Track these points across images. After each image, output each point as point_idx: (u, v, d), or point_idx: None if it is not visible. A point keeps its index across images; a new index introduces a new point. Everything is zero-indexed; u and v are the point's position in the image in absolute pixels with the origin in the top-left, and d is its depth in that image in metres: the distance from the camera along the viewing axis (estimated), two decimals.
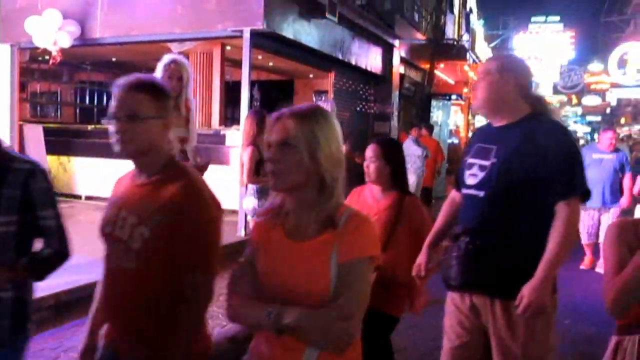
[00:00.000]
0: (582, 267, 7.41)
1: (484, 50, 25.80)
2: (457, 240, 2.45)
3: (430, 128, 10.86)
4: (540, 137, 2.34)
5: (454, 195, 2.78)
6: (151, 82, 1.88)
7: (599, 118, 47.03)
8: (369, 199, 3.05)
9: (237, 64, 7.80)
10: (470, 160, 2.52)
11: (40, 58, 10.51)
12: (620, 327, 1.92)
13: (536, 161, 2.29)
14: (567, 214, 2.28)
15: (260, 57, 9.53)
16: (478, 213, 2.42)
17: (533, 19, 34.45)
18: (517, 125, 2.42)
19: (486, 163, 2.43)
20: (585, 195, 2.39)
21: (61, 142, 9.87)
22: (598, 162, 7.00)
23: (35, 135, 9.24)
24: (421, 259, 2.71)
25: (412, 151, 9.85)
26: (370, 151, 3.02)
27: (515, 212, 2.34)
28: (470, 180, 2.48)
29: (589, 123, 51.55)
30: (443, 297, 2.69)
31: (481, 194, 2.41)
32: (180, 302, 1.78)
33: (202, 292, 1.81)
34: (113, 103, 1.81)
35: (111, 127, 1.82)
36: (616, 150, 7.18)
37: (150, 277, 1.78)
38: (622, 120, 32.62)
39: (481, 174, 2.43)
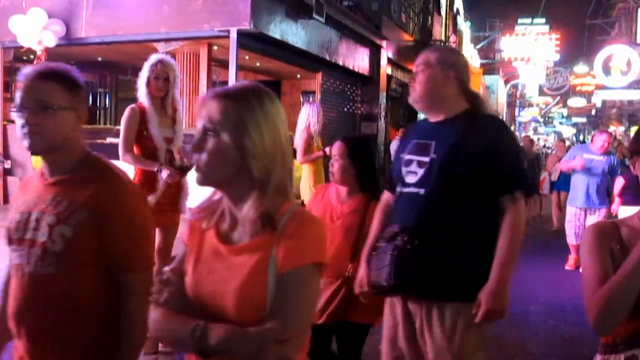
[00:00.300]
0: (566, 267, 7.41)
1: (470, 52, 25.94)
2: (393, 240, 2.27)
3: None
4: (481, 132, 2.26)
5: (387, 198, 2.57)
6: (63, 70, 1.69)
7: (584, 119, 47.46)
8: (334, 200, 2.88)
9: (224, 64, 7.78)
10: (408, 157, 2.37)
11: (25, 57, 10.41)
12: (605, 345, 1.68)
13: (477, 157, 2.21)
14: (512, 213, 2.21)
15: (247, 57, 9.51)
16: (417, 211, 2.27)
17: (519, 20, 34.69)
18: (455, 121, 2.32)
19: (425, 159, 2.30)
20: (528, 191, 2.34)
21: None
22: (587, 162, 7.03)
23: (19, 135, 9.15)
24: (362, 273, 2.46)
25: None
26: (335, 149, 2.85)
27: (457, 209, 2.23)
28: (409, 178, 2.33)
29: (575, 124, 52.01)
30: None
31: (422, 191, 2.28)
32: (116, 308, 1.61)
33: (140, 294, 1.57)
34: (19, 93, 1.62)
35: (18, 120, 1.62)
36: (608, 153, 7.19)
37: (75, 282, 1.61)
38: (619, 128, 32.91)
39: (421, 171, 2.30)
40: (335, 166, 2.81)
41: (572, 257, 7.43)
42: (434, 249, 2.23)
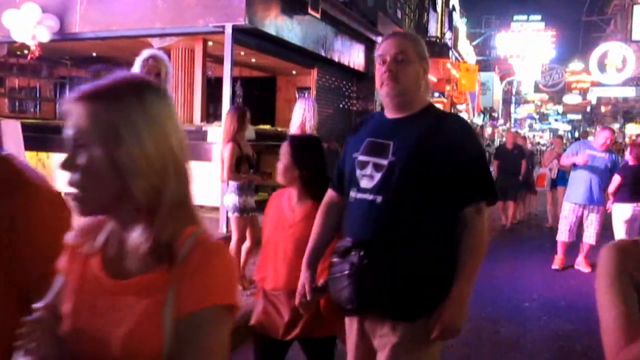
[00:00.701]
0: (553, 267, 7.22)
1: (466, 48, 25.95)
2: (347, 255, 2.04)
3: None
4: (445, 133, 2.05)
5: (330, 198, 2.33)
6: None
7: (579, 116, 47.58)
8: (286, 208, 2.62)
9: (219, 60, 7.75)
10: (362, 158, 2.11)
11: (18, 52, 10.36)
12: None
13: (442, 161, 2.00)
14: (477, 223, 2.03)
15: (242, 53, 9.48)
16: (374, 221, 2.03)
17: (515, 17, 34.78)
18: (417, 119, 2.10)
19: (383, 162, 2.05)
20: (493, 201, 2.15)
21: (40, 138, 9.75)
22: (590, 158, 6.93)
23: (13, 131, 9.09)
24: (302, 280, 2.27)
25: None
26: (282, 148, 2.63)
27: (418, 219, 2.01)
28: (364, 183, 2.08)
29: (570, 121, 52.12)
30: None
31: (378, 199, 2.03)
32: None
33: None
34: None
35: None
36: (609, 150, 7.10)
37: None
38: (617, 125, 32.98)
39: (378, 175, 2.04)
40: (278, 167, 2.59)
41: (558, 257, 7.30)
42: (392, 264, 2.01)
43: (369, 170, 2.08)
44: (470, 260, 2.03)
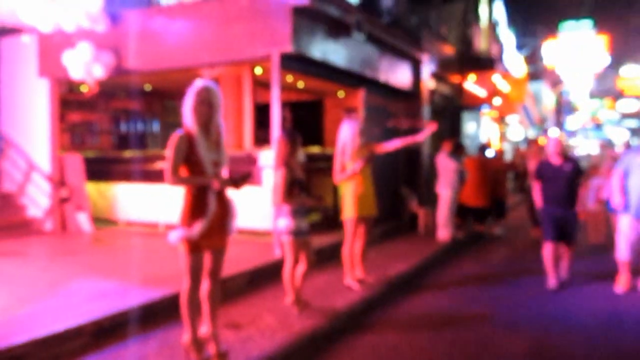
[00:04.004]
0: (616, 289, 6.63)
1: (514, 60, 25.54)
2: None
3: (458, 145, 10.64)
4: None
5: None
6: None
7: (637, 122, 45.91)
8: None
9: (267, 86, 7.90)
10: None
11: (76, 89, 10.83)
12: None
13: None
14: None
15: (289, 78, 9.63)
16: None
17: (563, 24, 33.88)
18: None
19: None
20: None
21: (99, 170, 10.12)
22: None
23: (75, 164, 9.50)
24: None
25: (445, 165, 9.81)
26: None
27: None
28: None
29: (629, 129, 50.35)
30: None
31: None
32: None
33: None
34: None
35: None
36: None
37: None
38: None
39: None
40: None
41: (624, 277, 6.67)
42: None
43: None
44: None
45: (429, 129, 6.76)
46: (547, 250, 6.89)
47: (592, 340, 5.00)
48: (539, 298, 6.47)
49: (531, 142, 19.30)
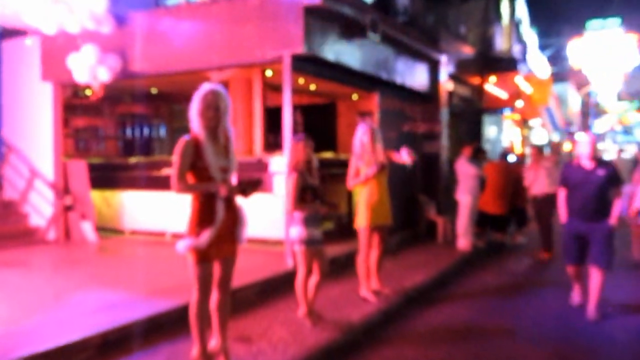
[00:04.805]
0: None
1: (537, 60, 25.43)
2: None
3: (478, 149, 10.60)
4: None
5: None
6: None
7: None
8: None
9: (278, 89, 7.94)
10: None
11: (81, 94, 10.94)
12: None
13: None
14: None
15: (301, 80, 9.67)
16: None
17: (589, 23, 33.61)
18: None
19: None
20: None
21: (104, 176, 10.21)
22: None
23: (79, 171, 9.59)
24: None
25: (465, 171, 9.78)
26: None
27: None
28: None
29: None
30: None
31: None
32: None
33: None
34: None
35: None
36: None
37: None
38: None
39: None
40: None
41: None
42: None
43: None
44: None
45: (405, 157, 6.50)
46: (571, 272, 6.44)
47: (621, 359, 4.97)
48: (564, 311, 6.43)
49: (555, 146, 19.14)
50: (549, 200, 9.12)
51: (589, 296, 6.14)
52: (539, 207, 9.69)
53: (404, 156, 6.45)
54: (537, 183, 9.58)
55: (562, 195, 6.31)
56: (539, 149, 10.21)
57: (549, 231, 9.63)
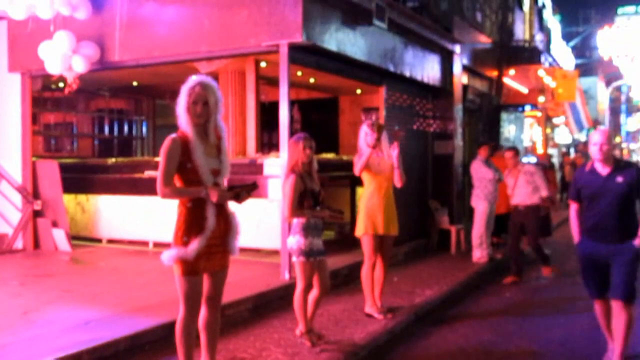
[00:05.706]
0: None
1: (562, 51, 25.49)
2: None
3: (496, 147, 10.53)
4: None
5: None
6: None
7: None
8: None
9: (274, 82, 7.95)
10: None
11: (53, 86, 10.92)
12: None
13: None
14: None
15: (299, 73, 9.68)
16: None
17: (620, 10, 33.72)
18: None
19: None
20: None
21: (79, 179, 10.19)
22: None
23: (50, 173, 9.56)
24: None
25: (481, 174, 9.78)
26: None
27: None
28: None
29: None
30: None
31: None
32: None
33: None
34: None
35: None
36: None
37: None
38: None
39: None
40: None
41: None
42: None
43: None
44: None
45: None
46: (598, 310, 5.42)
47: None
48: (594, 330, 6.41)
49: (580, 146, 19.11)
50: (530, 213, 8.90)
51: (616, 343, 5.12)
52: (517, 219, 9.09)
53: (393, 153, 6.37)
54: (517, 191, 9.07)
55: (573, 209, 5.40)
56: (515, 151, 9.46)
57: (516, 252, 9.14)
